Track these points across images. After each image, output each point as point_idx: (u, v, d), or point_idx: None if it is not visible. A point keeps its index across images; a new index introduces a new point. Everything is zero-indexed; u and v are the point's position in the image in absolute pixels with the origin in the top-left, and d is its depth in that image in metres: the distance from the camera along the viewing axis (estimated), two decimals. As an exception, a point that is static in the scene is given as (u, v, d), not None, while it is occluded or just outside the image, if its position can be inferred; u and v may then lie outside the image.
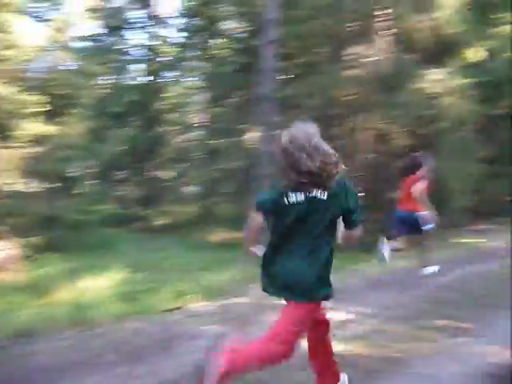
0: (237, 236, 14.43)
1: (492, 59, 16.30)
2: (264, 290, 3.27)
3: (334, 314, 5.87)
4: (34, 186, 11.25)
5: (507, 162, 17.43)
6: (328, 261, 3.11)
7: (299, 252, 3.06)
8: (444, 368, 4.29)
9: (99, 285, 7.72)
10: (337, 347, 4.52)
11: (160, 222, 17.47)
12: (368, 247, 10.77)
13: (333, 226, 3.13)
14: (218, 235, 14.51)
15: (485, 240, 13.43)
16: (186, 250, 11.93)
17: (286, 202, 3.07)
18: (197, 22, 18.50)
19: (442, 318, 5.75)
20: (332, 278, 3.17)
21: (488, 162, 16.36)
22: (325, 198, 3.04)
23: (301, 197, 3.05)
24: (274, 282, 3.15)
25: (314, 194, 3.04)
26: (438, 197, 12.35)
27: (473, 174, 13.17)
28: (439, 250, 11.66)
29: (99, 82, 17.84)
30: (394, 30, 12.96)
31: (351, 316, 5.93)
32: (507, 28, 17.22)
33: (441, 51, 12.81)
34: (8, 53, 10.20)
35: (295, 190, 3.06)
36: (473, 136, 14.09)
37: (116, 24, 18.62)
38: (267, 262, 3.19)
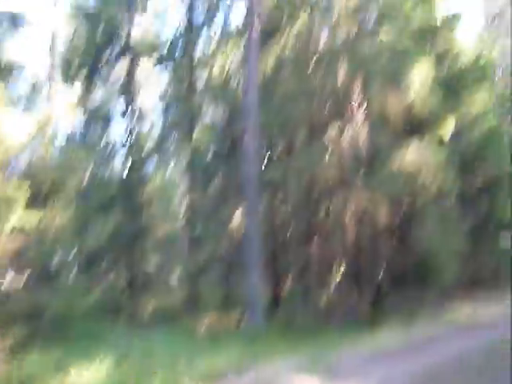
0: (226, 320, 14.15)
1: (465, 133, 16.99)
2: None
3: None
4: (18, 277, 11.00)
5: (485, 235, 17.78)
6: None
7: None
8: None
9: (88, 377, 7.39)
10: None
11: (147, 310, 17.03)
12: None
13: None
14: (207, 321, 14.18)
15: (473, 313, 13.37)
16: (175, 337, 11.58)
17: None
18: (176, 112, 19.13)
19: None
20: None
21: (466, 233, 16.59)
22: None
23: None
24: None
25: None
26: (424, 271, 12.44)
27: (455, 246, 13.32)
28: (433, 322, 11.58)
29: (82, 173, 18.01)
30: (369, 109, 13.54)
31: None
32: (478, 102, 18.07)
33: (414, 128, 13.34)
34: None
35: None
36: (455, 208, 14.39)
37: (99, 116, 19.11)
38: None
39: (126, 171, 19.97)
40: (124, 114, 19.55)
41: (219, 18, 19.08)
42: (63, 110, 14.94)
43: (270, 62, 15.32)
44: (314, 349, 9.10)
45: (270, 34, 15.27)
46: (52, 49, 19.98)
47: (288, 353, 8.63)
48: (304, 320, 11.89)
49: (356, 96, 13.94)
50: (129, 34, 19.07)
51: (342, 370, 7.26)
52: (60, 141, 16.72)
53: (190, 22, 19.27)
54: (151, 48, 19.53)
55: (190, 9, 19.28)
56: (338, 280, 13.09)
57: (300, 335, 11.12)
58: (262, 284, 12.54)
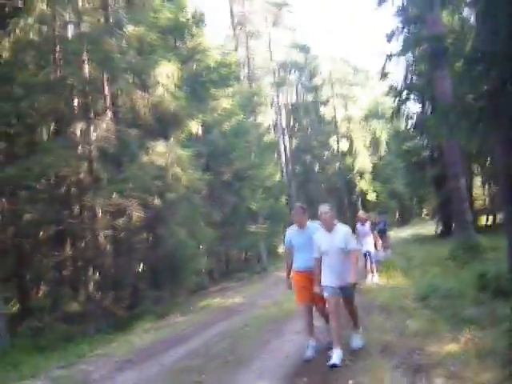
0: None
1: (209, 132, 17.82)
2: None
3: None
4: None
5: (236, 224, 19.07)
6: None
7: None
8: None
9: None
10: None
11: None
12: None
13: None
14: None
15: (225, 299, 14.09)
16: None
17: None
18: None
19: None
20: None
21: (218, 225, 17.52)
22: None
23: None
24: None
25: None
26: (175, 264, 12.63)
27: (206, 238, 13.81)
28: (185, 316, 11.81)
29: None
30: (117, 107, 13.11)
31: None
32: (220, 103, 19.20)
33: (163, 125, 13.38)
34: None
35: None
36: (202, 202, 14.91)
37: None
38: None
39: None
40: None
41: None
42: None
43: (7, 44, 13.69)
44: (62, 360, 8.58)
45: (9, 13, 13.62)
46: None
47: (35, 369, 8.01)
48: (54, 330, 11.10)
49: (105, 91, 13.38)
50: None
51: (92, 378, 6.92)
52: None
53: None
54: None
55: None
56: (92, 284, 12.46)
57: (50, 347, 10.38)
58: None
